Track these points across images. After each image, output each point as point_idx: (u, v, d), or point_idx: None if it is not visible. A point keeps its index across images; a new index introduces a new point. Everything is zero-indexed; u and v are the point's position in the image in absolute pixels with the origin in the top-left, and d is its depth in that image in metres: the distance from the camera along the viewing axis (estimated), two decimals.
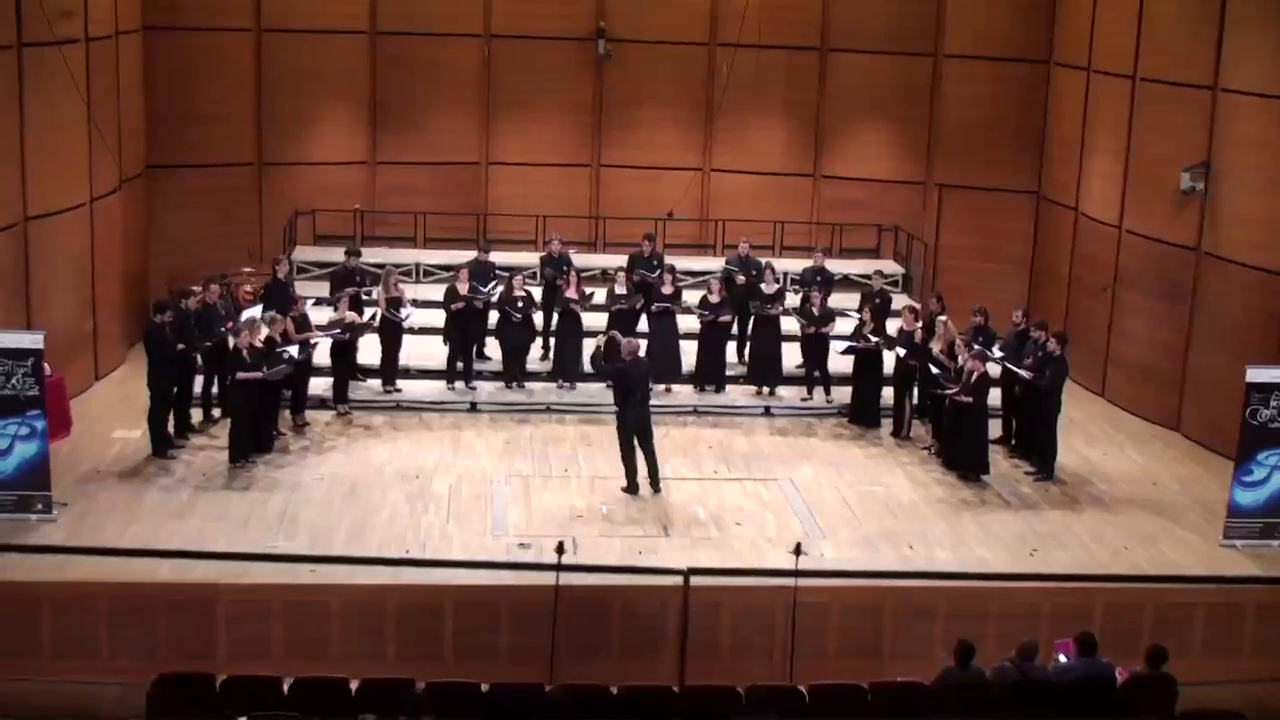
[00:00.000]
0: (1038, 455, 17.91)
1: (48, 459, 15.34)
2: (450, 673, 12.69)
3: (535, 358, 20.26)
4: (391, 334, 19.33)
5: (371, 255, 22.02)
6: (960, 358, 17.69)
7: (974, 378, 17.23)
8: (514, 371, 19.77)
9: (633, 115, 24.71)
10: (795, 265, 22.04)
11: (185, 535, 14.97)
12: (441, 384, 19.74)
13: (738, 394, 20.02)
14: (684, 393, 19.84)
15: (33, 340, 15.35)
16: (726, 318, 19.81)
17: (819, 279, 20.56)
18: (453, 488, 16.72)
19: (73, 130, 18.79)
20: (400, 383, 19.59)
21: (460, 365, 19.70)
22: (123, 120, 20.43)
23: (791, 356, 20.09)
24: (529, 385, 19.83)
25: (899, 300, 21.57)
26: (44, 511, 15.23)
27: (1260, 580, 15.12)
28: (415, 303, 20.04)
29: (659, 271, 20.07)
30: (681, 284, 20.33)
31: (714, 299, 19.63)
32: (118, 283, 20.51)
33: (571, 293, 19.51)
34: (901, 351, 18.73)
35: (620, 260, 21.06)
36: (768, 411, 19.72)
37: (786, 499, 16.81)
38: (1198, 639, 14.46)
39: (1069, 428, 18.77)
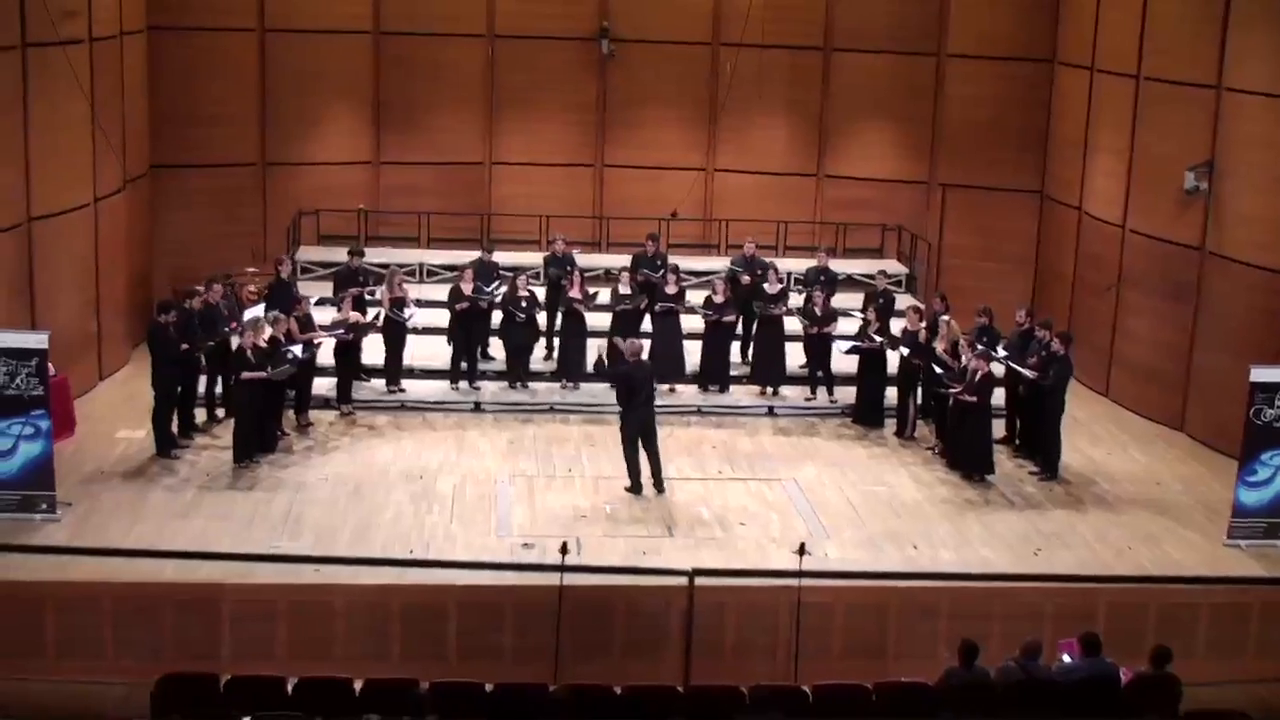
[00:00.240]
0: (1041, 455, 17.90)
1: (52, 459, 15.34)
2: (454, 673, 12.69)
3: (539, 358, 20.27)
4: (395, 334, 19.33)
5: (375, 255, 22.04)
6: (964, 357, 17.69)
7: (978, 377, 17.23)
8: (518, 371, 19.78)
9: (636, 115, 24.72)
10: (799, 265, 22.05)
11: (189, 535, 14.97)
12: (445, 384, 19.74)
13: (741, 394, 20.02)
14: (688, 393, 19.84)
15: (37, 340, 15.35)
16: (730, 318, 19.81)
17: (822, 279, 20.56)
18: (457, 488, 16.73)
19: (77, 130, 18.80)
20: (404, 383, 19.60)
21: (464, 365, 19.71)
22: (127, 120, 20.44)
23: (795, 356, 20.10)
24: (533, 385, 19.83)
25: (903, 300, 21.57)
26: (48, 511, 15.23)
27: (1265, 581, 15.12)
28: (419, 303, 20.04)
29: (663, 271, 20.08)
30: (685, 284, 20.33)
31: (719, 299, 19.63)
32: (122, 283, 20.52)
33: (575, 293, 19.52)
34: (905, 351, 18.72)
35: (624, 260, 21.06)
36: (771, 411, 19.71)
37: (790, 499, 16.81)
38: (1202, 639, 14.45)
39: (1073, 427, 18.76)
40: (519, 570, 14.29)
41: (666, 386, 19.34)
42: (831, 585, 14.12)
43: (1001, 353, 18.25)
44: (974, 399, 17.23)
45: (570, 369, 19.75)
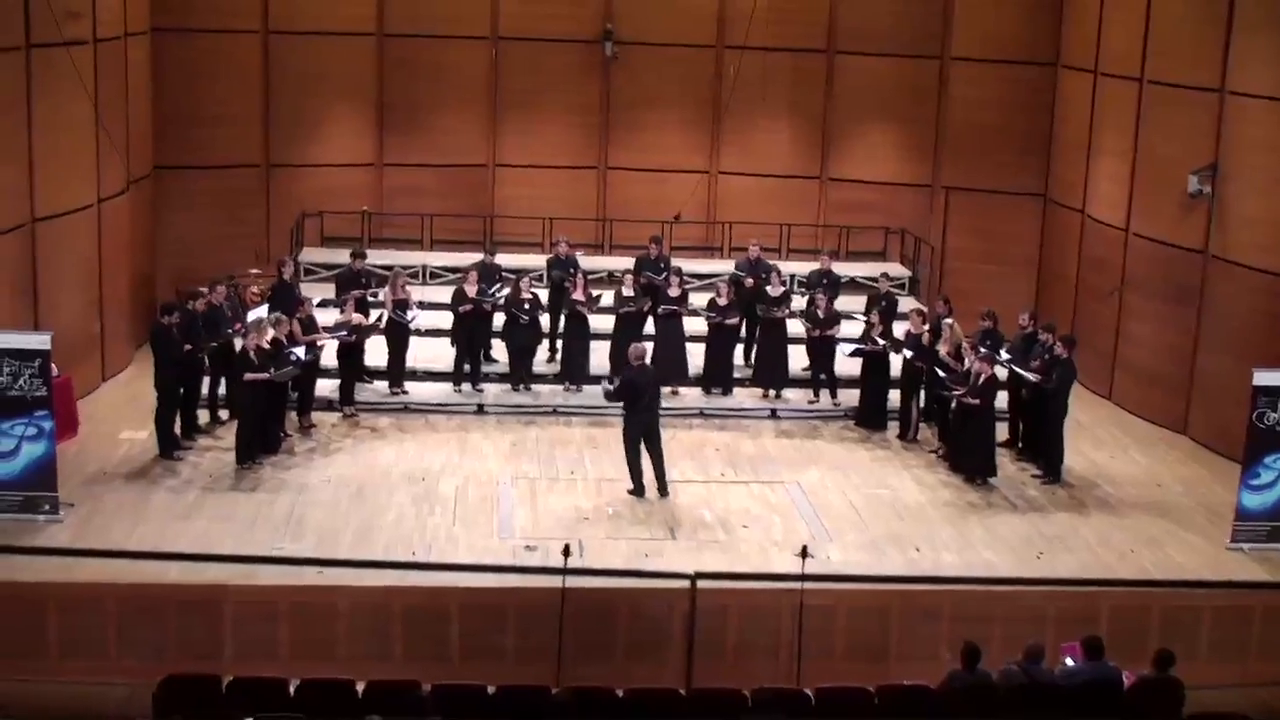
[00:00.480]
0: (1044, 458, 17.90)
1: (55, 460, 15.34)
2: (457, 675, 12.68)
3: (542, 360, 20.27)
4: (398, 336, 19.33)
5: (378, 257, 22.05)
6: (967, 360, 17.69)
7: (981, 380, 17.23)
8: (520, 374, 19.78)
9: (639, 117, 24.73)
10: (802, 268, 22.05)
11: (192, 536, 14.98)
12: (448, 386, 19.74)
13: (744, 397, 20.02)
14: (691, 395, 19.84)
15: (40, 341, 15.36)
16: (733, 320, 19.81)
17: (825, 282, 20.56)
18: (459, 490, 16.72)
19: (80, 131, 18.82)
20: (407, 385, 19.59)
21: (467, 367, 19.70)
22: (130, 121, 20.46)
23: (798, 359, 20.10)
24: (535, 387, 19.83)
25: (906, 303, 21.57)
26: (51, 512, 15.23)
27: (1268, 585, 15.11)
28: (422, 305, 20.05)
29: (666, 274, 20.08)
30: (688, 286, 20.34)
31: (722, 302, 19.64)
32: (125, 284, 20.54)
33: (578, 295, 19.52)
34: (908, 354, 18.72)
35: (627, 262, 21.06)
36: (774, 414, 19.71)
37: (793, 502, 16.81)
38: (1204, 642, 14.43)
39: (1076, 431, 18.74)
40: (521, 573, 14.29)
41: (669, 389, 19.33)
42: (834, 588, 14.11)
43: (1004, 356, 18.24)
44: (976, 401, 17.22)
45: (573, 371, 19.76)
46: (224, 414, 18.31)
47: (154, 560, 14.02)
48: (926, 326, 18.87)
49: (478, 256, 20.81)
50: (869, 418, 19.35)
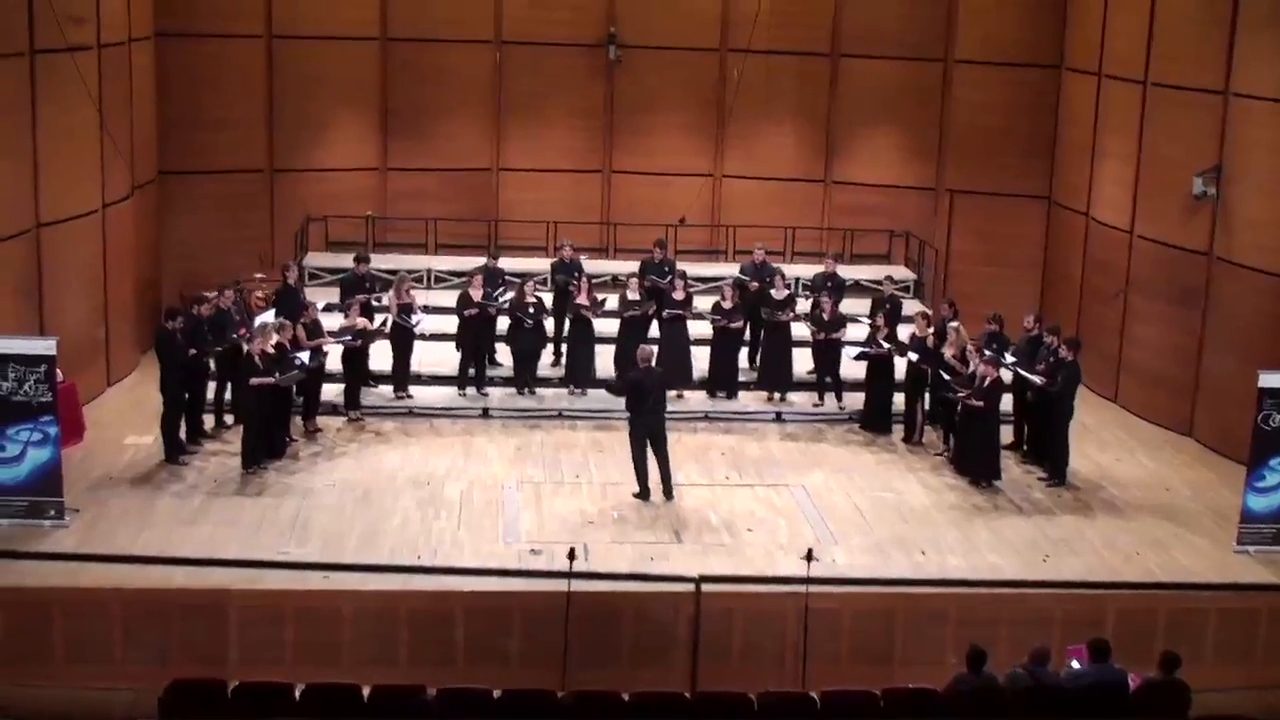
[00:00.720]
0: (1050, 461, 17.89)
1: (60, 465, 15.35)
2: (462, 679, 12.67)
3: (546, 364, 20.27)
4: (403, 340, 19.34)
5: (383, 261, 22.04)
6: (972, 363, 17.68)
7: (986, 383, 17.22)
8: (525, 378, 19.78)
9: (644, 121, 24.72)
10: (806, 271, 22.04)
11: (197, 541, 14.98)
12: (453, 390, 19.74)
13: (749, 400, 20.02)
14: (696, 399, 19.84)
15: (45, 346, 15.35)
16: (737, 324, 19.81)
17: (830, 285, 20.54)
18: (464, 494, 16.72)
19: (85, 137, 18.84)
20: (412, 389, 19.60)
21: (472, 371, 19.71)
22: (135, 127, 20.48)
23: (803, 363, 20.09)
24: (540, 391, 19.84)
25: (910, 306, 21.55)
26: (56, 517, 15.24)
27: (1274, 587, 15.09)
28: (426, 309, 20.05)
29: (670, 277, 20.08)
30: (693, 290, 20.33)
31: (727, 305, 19.64)
32: (130, 289, 20.56)
33: (583, 299, 19.52)
34: (914, 357, 18.71)
35: (631, 266, 21.04)
36: (779, 417, 19.70)
37: (798, 505, 16.79)
38: (1210, 645, 14.44)
39: (1081, 433, 18.72)
40: (526, 577, 14.28)
41: (674, 392, 19.31)
42: (839, 591, 14.10)
43: (1010, 359, 18.23)
44: (981, 404, 17.21)
45: (578, 375, 19.76)
46: (229, 419, 18.32)
47: (159, 565, 14.05)
48: (931, 329, 18.87)
49: (482, 260, 20.81)
50: (874, 421, 19.34)
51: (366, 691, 11.09)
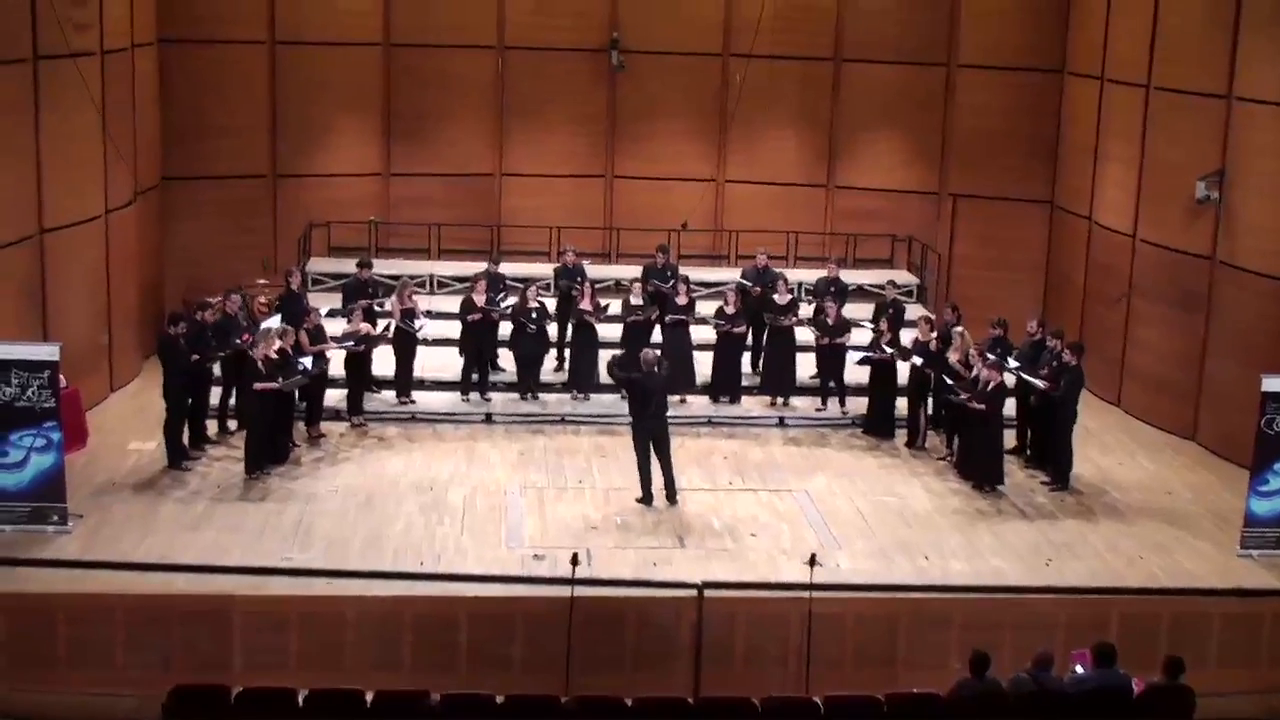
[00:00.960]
0: (1053, 465, 17.88)
1: (63, 471, 15.37)
2: (465, 684, 12.69)
3: (549, 369, 20.27)
4: (405, 345, 19.35)
5: (386, 267, 22.05)
6: (975, 368, 17.67)
7: (990, 387, 17.22)
8: (528, 383, 19.78)
9: (646, 126, 24.73)
10: (809, 276, 22.04)
11: (201, 547, 14.99)
12: (456, 395, 19.75)
13: (752, 405, 20.01)
14: (699, 404, 19.84)
15: (49, 352, 15.38)
16: (741, 328, 19.81)
17: (833, 290, 20.53)
18: (467, 499, 16.73)
19: (88, 143, 18.85)
20: (415, 394, 19.61)
21: (475, 377, 19.71)
22: (138, 132, 20.49)
23: (805, 367, 20.08)
24: (543, 397, 19.84)
25: (913, 311, 21.54)
26: (59, 523, 15.25)
27: (1277, 591, 15.07)
28: (429, 314, 20.06)
29: (673, 282, 20.08)
30: (695, 295, 20.33)
31: (730, 310, 19.64)
32: (133, 294, 20.57)
33: (586, 304, 19.53)
34: (917, 361, 18.71)
35: (634, 271, 21.05)
36: (782, 422, 19.70)
37: (801, 510, 16.79)
38: (1214, 649, 14.42)
39: (1084, 437, 18.72)
40: (530, 582, 14.27)
41: (677, 397, 19.32)
42: (842, 596, 14.09)
43: (1013, 363, 18.22)
44: (982, 407, 17.20)
45: (581, 380, 19.76)
46: (232, 424, 18.33)
47: (162, 571, 14.04)
48: (934, 334, 18.86)
49: (484, 266, 20.81)
50: (877, 425, 19.34)
51: (370, 697, 11.07)
